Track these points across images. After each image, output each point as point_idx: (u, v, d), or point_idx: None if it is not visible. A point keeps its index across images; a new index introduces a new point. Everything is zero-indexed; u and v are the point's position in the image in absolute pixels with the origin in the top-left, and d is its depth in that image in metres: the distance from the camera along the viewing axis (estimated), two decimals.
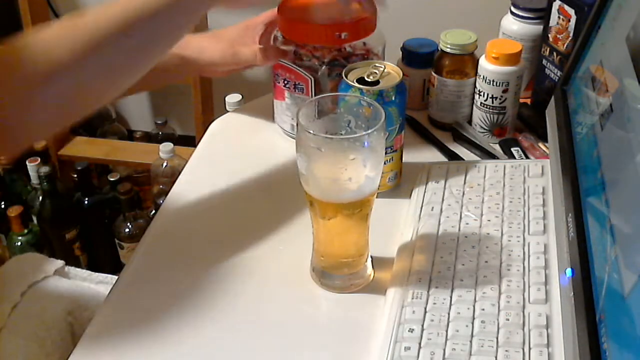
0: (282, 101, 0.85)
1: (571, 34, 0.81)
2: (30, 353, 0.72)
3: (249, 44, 0.81)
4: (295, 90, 0.83)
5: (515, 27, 0.90)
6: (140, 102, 2.07)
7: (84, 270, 0.92)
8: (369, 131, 0.56)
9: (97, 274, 0.90)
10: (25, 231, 1.61)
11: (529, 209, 0.70)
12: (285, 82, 0.83)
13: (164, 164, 1.63)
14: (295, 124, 0.85)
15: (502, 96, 0.82)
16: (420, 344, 0.56)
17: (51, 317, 0.76)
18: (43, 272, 0.80)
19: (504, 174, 0.75)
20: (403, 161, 0.77)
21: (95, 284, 0.87)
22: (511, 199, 0.71)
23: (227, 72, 0.86)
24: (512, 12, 0.91)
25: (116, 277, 0.90)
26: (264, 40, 0.82)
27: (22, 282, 0.77)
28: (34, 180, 1.67)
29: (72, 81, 0.55)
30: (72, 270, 0.88)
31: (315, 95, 0.81)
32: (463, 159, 0.83)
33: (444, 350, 0.55)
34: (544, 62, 0.86)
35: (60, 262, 0.85)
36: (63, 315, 0.77)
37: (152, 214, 1.66)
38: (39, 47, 0.54)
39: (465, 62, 0.85)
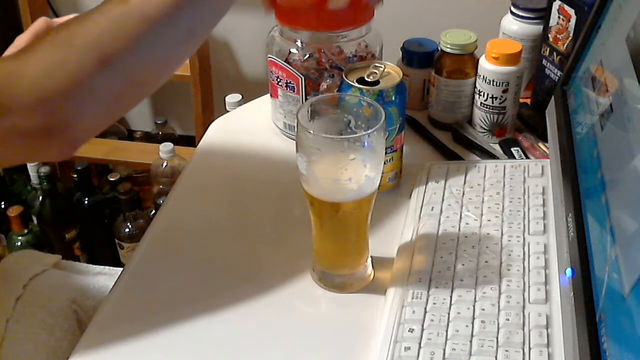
0: (276, 99, 0.85)
1: (571, 34, 0.81)
2: (40, 340, 0.72)
3: None
4: (287, 89, 0.83)
5: (515, 27, 0.90)
6: (140, 102, 2.07)
7: (81, 263, 0.93)
8: (369, 131, 0.56)
9: (94, 265, 0.91)
10: (25, 231, 1.61)
11: (529, 209, 0.70)
12: (278, 79, 0.83)
13: (164, 164, 1.64)
14: (287, 122, 0.86)
15: (502, 96, 0.82)
16: (420, 344, 0.56)
17: (56, 306, 0.77)
18: (42, 265, 0.81)
19: (504, 174, 0.75)
20: (403, 161, 0.77)
21: (93, 275, 0.88)
22: (511, 199, 0.71)
23: None
24: (512, 12, 0.91)
25: (113, 267, 0.91)
26: None
27: (23, 275, 0.78)
28: (34, 180, 1.67)
29: (129, 68, 0.54)
30: (70, 263, 0.89)
31: (305, 95, 0.81)
32: (463, 159, 0.83)
33: (444, 350, 0.55)
34: (544, 62, 0.86)
35: (57, 256, 0.86)
36: (68, 304, 0.78)
37: (152, 214, 1.66)
38: (92, 35, 0.52)
39: (465, 62, 0.85)
